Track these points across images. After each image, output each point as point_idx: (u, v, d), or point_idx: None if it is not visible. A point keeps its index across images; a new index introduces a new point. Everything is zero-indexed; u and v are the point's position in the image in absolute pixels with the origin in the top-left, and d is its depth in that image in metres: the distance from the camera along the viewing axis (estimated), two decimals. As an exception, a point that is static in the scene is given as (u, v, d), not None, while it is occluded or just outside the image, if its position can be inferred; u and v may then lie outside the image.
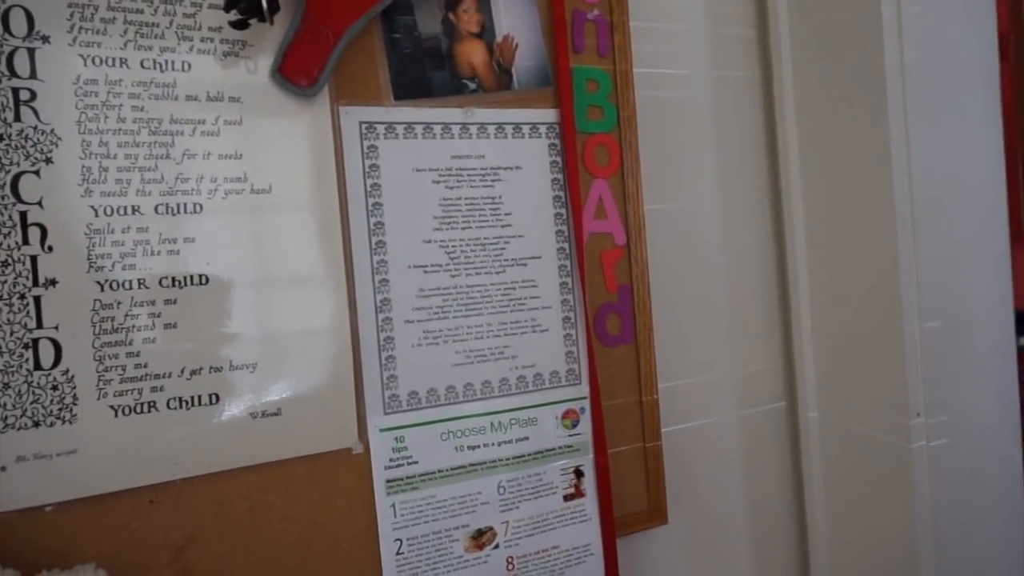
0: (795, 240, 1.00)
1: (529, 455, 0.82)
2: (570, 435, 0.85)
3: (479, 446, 0.80)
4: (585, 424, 0.85)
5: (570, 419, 0.85)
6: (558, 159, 0.85)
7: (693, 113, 0.99)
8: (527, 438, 0.82)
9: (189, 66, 0.67)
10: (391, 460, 0.75)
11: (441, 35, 0.80)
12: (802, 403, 1.01)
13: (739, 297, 1.01)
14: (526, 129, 0.84)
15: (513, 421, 0.82)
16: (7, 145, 0.60)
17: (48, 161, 0.61)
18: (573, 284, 0.86)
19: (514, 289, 0.82)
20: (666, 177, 0.95)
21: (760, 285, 1.03)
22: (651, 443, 0.90)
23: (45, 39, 0.61)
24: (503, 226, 0.82)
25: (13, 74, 0.60)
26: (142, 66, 0.65)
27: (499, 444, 0.81)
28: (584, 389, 0.85)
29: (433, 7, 0.79)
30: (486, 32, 0.82)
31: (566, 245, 0.85)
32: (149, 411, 0.64)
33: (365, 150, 0.75)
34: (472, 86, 0.81)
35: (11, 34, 0.60)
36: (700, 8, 1.00)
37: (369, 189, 0.75)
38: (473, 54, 0.81)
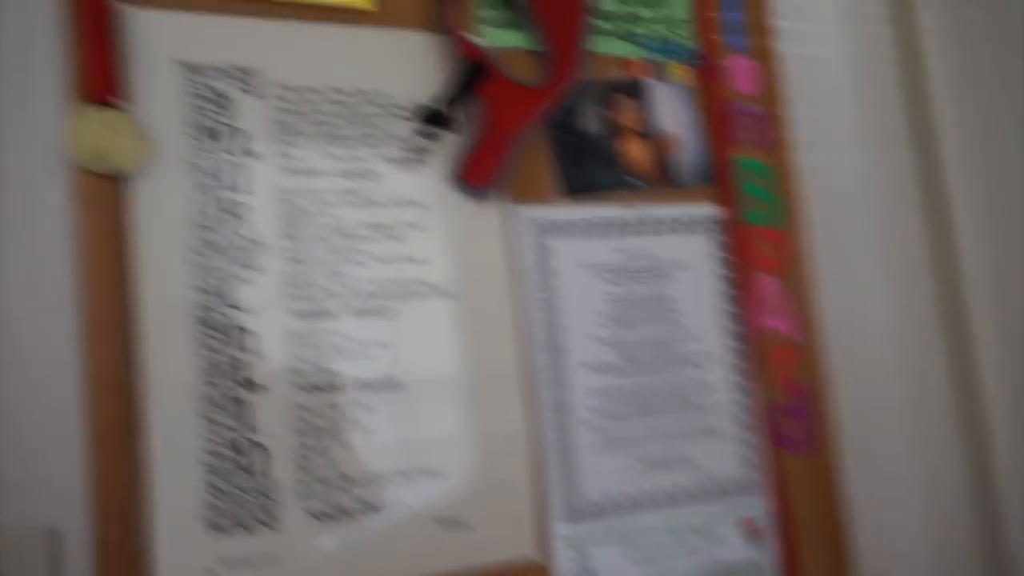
0: (977, 340, 0.92)
1: (710, 571, 0.76)
2: (753, 551, 0.78)
3: (660, 560, 0.74)
4: (768, 539, 0.79)
5: (751, 532, 0.79)
6: (724, 253, 0.83)
7: (856, 203, 0.95)
8: (707, 552, 0.76)
9: (376, 174, 0.69)
10: (573, 573, 0.70)
11: (604, 132, 0.80)
12: (1006, 523, 0.90)
13: (920, 406, 0.93)
14: (691, 224, 0.82)
15: (692, 533, 0.76)
16: (220, 253, 0.62)
17: (254, 268, 0.63)
18: (746, 385, 0.81)
19: (686, 390, 0.79)
20: (833, 271, 0.90)
21: (943, 392, 0.94)
22: (839, 570, 0.82)
23: (253, 154, 0.65)
24: (673, 324, 0.79)
25: (226, 186, 0.63)
26: (335, 175, 0.67)
27: (680, 558, 0.75)
28: (765, 500, 0.79)
29: (595, 105, 0.80)
30: (647, 128, 0.82)
31: (738, 343, 0.81)
32: (344, 518, 0.63)
33: (538, 249, 0.75)
34: (636, 182, 0.80)
35: (226, 150, 0.64)
36: (854, 95, 0.97)
37: (543, 288, 0.74)
38: (635, 150, 0.81)
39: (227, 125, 0.64)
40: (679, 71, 0.85)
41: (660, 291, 0.80)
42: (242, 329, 0.62)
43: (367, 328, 0.66)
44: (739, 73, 0.88)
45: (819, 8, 0.98)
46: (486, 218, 0.72)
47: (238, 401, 0.61)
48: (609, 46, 0.81)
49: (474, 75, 0.70)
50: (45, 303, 0.58)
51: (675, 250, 0.81)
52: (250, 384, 0.61)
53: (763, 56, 0.89)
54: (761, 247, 0.85)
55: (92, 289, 0.58)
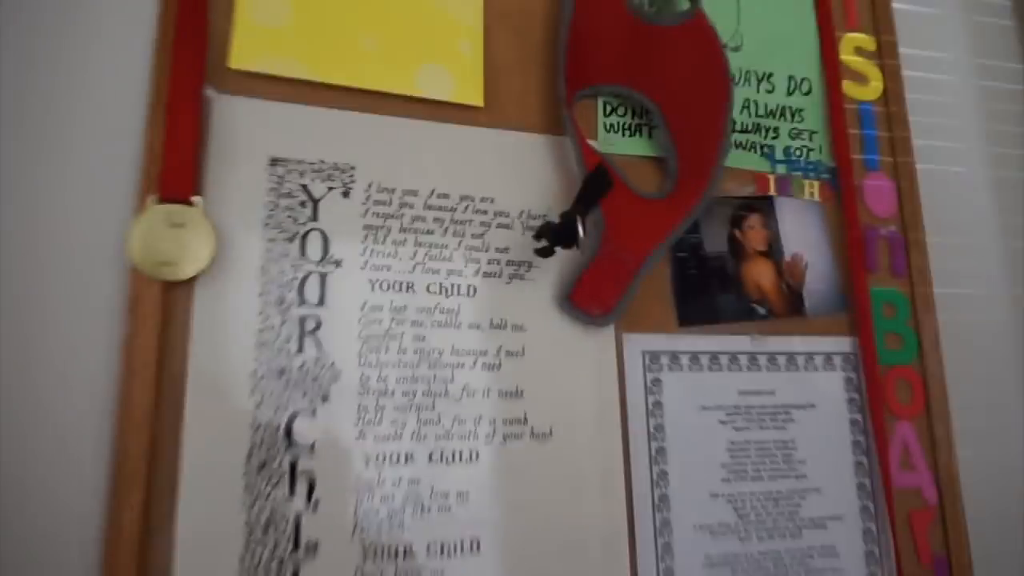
0: None
1: None
2: None
3: None
4: None
5: None
6: (855, 396, 0.71)
7: (1001, 343, 0.83)
8: None
9: (474, 290, 0.60)
10: None
11: (727, 254, 0.71)
12: None
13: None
14: (819, 360, 0.72)
15: None
16: (287, 380, 0.53)
17: (325, 399, 0.53)
18: (882, 554, 0.68)
19: (812, 558, 0.67)
20: (978, 418, 0.78)
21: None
22: None
23: (338, 263, 0.56)
24: (797, 477, 0.68)
25: (303, 300, 0.54)
26: (427, 290, 0.58)
27: None
28: None
29: (719, 225, 0.71)
30: (774, 250, 0.72)
31: (870, 503, 0.70)
32: None
33: (648, 384, 0.65)
34: (761, 311, 0.70)
35: (306, 258, 0.55)
36: (997, 219, 0.87)
37: (652, 431, 0.64)
38: (760, 274, 0.71)
39: (310, 228, 0.56)
40: (811, 188, 0.75)
41: (785, 438, 0.69)
42: (302, 474, 0.52)
43: (449, 476, 0.56)
44: (875, 192, 0.79)
45: (960, 124, 0.88)
46: (592, 345, 0.63)
47: (287, 564, 0.50)
48: (738, 159, 0.73)
49: (597, 186, 0.61)
50: (76, 440, 0.49)
51: (802, 389, 0.71)
52: (303, 544, 0.51)
53: (901, 175, 0.80)
54: (895, 389, 0.74)
55: (130, 418, 0.48)
